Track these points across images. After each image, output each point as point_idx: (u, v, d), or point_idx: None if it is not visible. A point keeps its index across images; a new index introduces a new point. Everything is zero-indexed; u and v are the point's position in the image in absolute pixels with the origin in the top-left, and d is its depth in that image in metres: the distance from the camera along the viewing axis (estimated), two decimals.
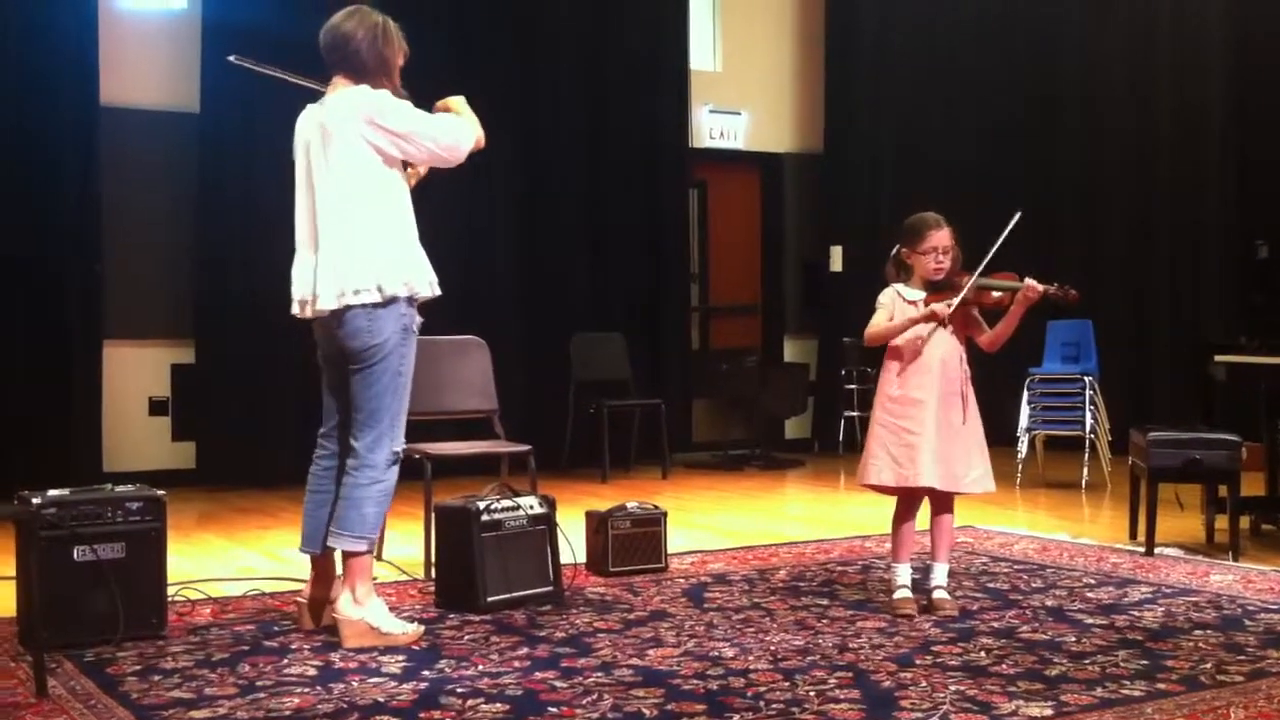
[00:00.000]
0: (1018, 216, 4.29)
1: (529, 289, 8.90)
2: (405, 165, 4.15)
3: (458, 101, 4.21)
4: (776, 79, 10.45)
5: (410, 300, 4.02)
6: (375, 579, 4.22)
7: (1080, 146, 10.03)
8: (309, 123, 4.07)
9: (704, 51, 10.21)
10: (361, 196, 3.96)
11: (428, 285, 4.06)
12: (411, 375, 4.10)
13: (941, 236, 4.35)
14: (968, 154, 10.20)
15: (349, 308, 3.93)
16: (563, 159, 9.06)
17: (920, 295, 4.38)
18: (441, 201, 8.17)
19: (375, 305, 3.94)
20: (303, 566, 4.39)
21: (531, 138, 8.92)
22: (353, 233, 3.95)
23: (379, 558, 5.12)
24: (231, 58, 4.28)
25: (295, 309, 4.10)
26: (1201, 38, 9.43)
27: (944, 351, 4.34)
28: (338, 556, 4.17)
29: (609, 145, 9.27)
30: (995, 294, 4.35)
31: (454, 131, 4.08)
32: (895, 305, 4.41)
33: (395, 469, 4.09)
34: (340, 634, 3.98)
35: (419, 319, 4.09)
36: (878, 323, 4.40)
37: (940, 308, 4.29)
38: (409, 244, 4.05)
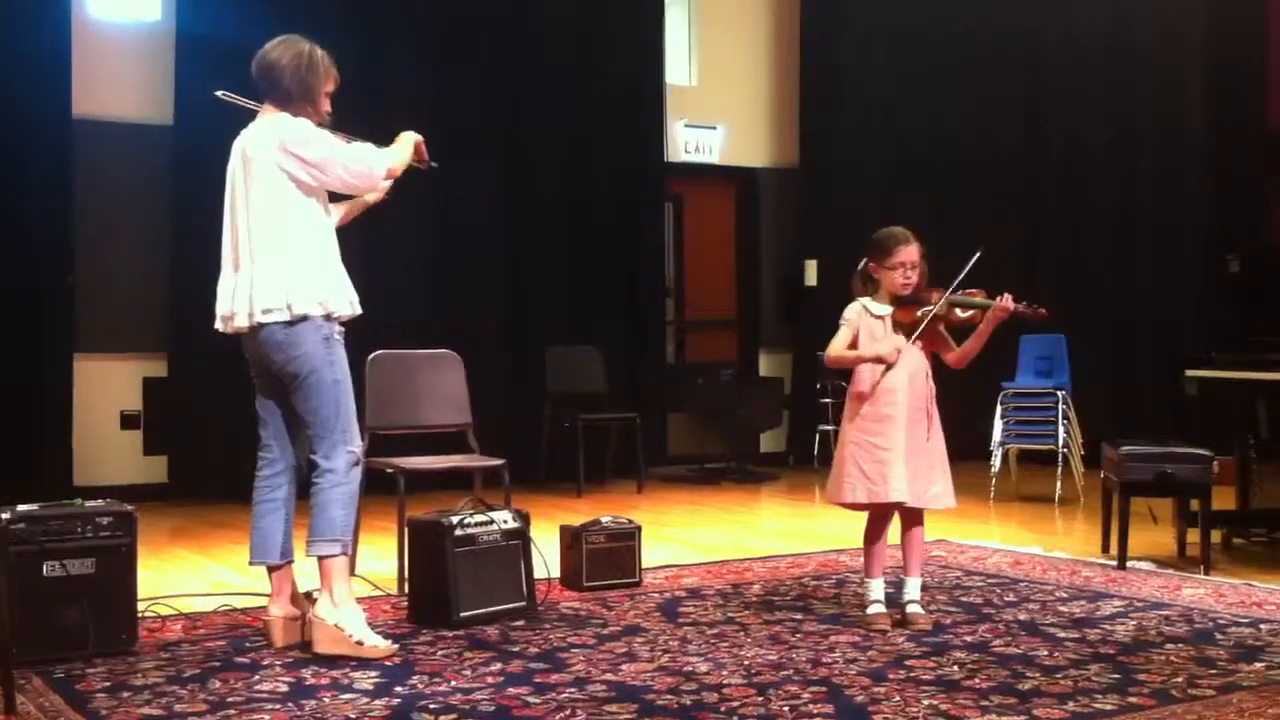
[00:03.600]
0: (978, 255, 4.30)
1: (504, 302, 8.88)
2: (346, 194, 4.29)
3: (403, 136, 4.33)
4: (752, 94, 10.47)
5: (327, 317, 4.08)
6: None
7: (1061, 161, 10.08)
8: (236, 148, 4.17)
9: (680, 66, 10.22)
10: (278, 220, 4.06)
11: (347, 305, 4.15)
12: (349, 379, 4.18)
13: (910, 251, 4.35)
14: (945, 169, 10.20)
15: (262, 325, 4.04)
16: (539, 173, 9.05)
17: (887, 310, 4.39)
18: (416, 216, 8.20)
19: (288, 323, 4.03)
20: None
21: (508, 151, 8.91)
22: (268, 255, 4.05)
23: (351, 573, 5.09)
24: (219, 93, 4.32)
25: (218, 324, 4.21)
26: (1181, 54, 9.53)
27: (912, 369, 4.35)
28: (296, 571, 4.24)
29: (585, 159, 9.26)
30: (966, 312, 4.36)
31: (365, 160, 4.17)
32: (861, 320, 4.41)
33: (357, 470, 4.17)
34: (313, 636, 4.01)
35: (340, 328, 4.15)
36: (837, 344, 4.41)
37: (890, 353, 4.29)
38: (325, 265, 4.13)
